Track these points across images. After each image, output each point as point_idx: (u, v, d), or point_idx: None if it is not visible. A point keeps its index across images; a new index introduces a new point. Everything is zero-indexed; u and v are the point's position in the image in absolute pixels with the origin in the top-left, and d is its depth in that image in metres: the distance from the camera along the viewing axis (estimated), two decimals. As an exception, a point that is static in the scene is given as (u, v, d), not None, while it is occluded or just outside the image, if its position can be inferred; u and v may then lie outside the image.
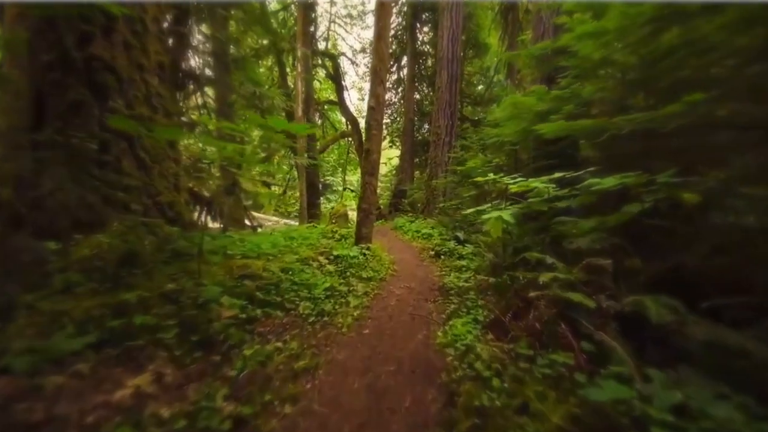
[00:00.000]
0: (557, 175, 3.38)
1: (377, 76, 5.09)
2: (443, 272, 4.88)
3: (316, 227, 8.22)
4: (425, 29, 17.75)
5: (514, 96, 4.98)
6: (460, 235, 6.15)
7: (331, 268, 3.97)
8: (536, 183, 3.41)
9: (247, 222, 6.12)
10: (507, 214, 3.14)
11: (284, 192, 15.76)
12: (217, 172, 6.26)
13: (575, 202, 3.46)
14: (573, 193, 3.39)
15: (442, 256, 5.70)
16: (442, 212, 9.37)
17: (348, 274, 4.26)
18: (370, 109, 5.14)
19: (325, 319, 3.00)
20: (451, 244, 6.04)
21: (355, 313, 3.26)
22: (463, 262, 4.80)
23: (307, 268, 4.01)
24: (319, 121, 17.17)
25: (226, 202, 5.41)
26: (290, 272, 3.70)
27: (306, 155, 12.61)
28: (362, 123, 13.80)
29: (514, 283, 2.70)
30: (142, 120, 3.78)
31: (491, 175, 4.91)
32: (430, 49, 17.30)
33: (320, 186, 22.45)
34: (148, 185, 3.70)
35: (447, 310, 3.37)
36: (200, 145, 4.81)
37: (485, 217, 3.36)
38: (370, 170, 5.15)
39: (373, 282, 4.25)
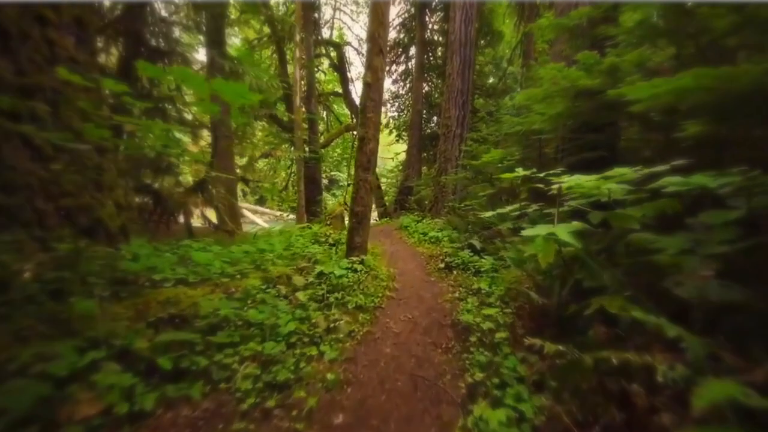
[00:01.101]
0: (620, 170, 2.17)
1: (375, 44, 3.83)
2: (457, 294, 3.65)
3: (310, 228, 7.08)
4: (434, 18, 16.24)
5: (555, 66, 3.67)
6: (476, 243, 4.89)
7: (303, 297, 2.78)
8: (609, 183, 2.15)
9: (217, 223, 4.97)
10: (565, 232, 1.90)
11: (285, 187, 14.65)
12: (187, 167, 5.12)
13: (648, 210, 2.24)
14: (638, 197, 2.23)
15: (455, 270, 4.47)
16: (451, 212, 8.11)
17: (331, 300, 3.06)
18: (366, 86, 3.89)
19: (270, 402, 1.80)
20: (465, 253, 4.80)
21: (329, 377, 2.08)
22: (483, 284, 3.56)
23: (273, 294, 2.84)
24: (324, 114, 15.91)
25: (193, 202, 4.26)
26: (245, 307, 2.53)
27: (307, 148, 11.43)
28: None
29: (597, 364, 1.46)
30: (43, 92, 2.63)
31: (519, 170, 3.65)
32: (440, 38, 15.83)
33: (327, 181, 21.28)
34: (47, 183, 2.56)
35: (468, 372, 2.15)
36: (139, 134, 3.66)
37: (528, 233, 2.13)
38: (365, 163, 3.92)
39: (364, 313, 3.05)
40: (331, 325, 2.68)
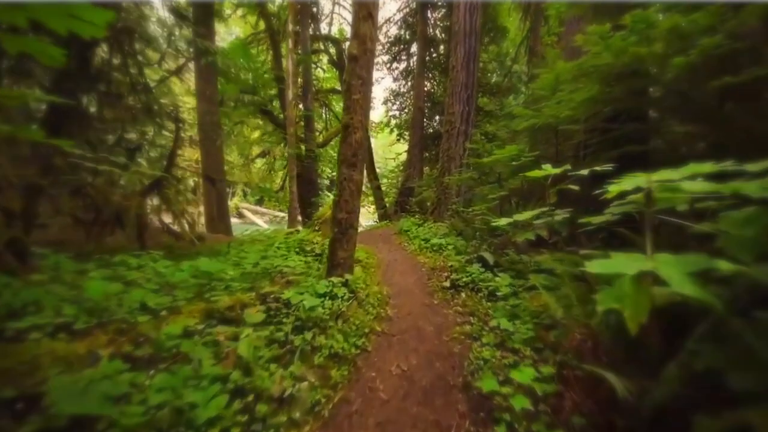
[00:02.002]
0: (697, 167, 1.27)
1: (363, 6, 2.91)
2: (468, 328, 2.71)
3: (298, 233, 6.19)
4: (437, 14, 15.32)
5: (597, 30, 2.72)
6: (488, 256, 3.95)
7: (245, 350, 1.85)
8: (737, 184, 1.21)
9: (179, 230, 4.07)
10: (679, 273, 0.96)
11: (282, 187, 13.77)
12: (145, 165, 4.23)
13: (755, 227, 1.29)
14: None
15: (463, 292, 3.53)
16: (455, 215, 7.18)
17: (297, 344, 2.15)
18: (352, 59, 2.97)
19: None
20: (475, 268, 3.86)
21: None
22: (503, 319, 2.61)
23: (209, 341, 1.92)
24: (323, 111, 14.98)
25: (140, 207, 3.36)
26: (150, 372, 1.62)
27: (303, 147, 10.53)
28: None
29: None
30: None
31: (548, 167, 2.76)
32: (443, 35, 14.91)
33: (328, 182, 20.33)
34: None
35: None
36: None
37: (599, 269, 1.18)
38: (349, 158, 3.00)
39: (340, 365, 2.13)
40: (287, 392, 1.76)
